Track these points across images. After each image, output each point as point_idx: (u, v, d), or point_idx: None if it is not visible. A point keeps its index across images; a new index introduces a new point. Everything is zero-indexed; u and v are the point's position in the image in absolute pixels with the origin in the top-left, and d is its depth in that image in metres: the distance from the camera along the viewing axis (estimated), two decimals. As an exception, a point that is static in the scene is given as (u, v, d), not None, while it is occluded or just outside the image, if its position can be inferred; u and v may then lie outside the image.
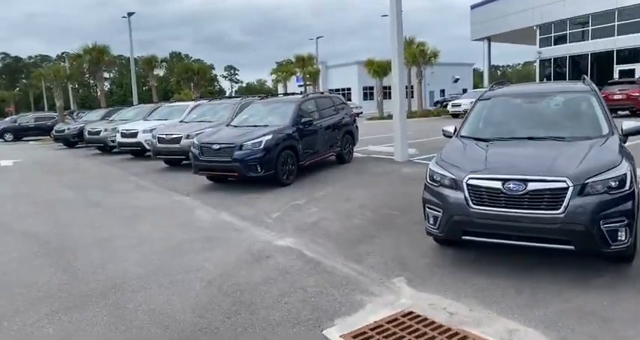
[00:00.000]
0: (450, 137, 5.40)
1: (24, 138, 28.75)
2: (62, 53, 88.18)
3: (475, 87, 65.23)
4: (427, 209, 4.32)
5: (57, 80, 28.65)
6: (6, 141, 28.33)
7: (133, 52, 30.65)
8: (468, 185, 3.97)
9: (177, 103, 16.43)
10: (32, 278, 4.46)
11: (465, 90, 56.61)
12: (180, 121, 12.53)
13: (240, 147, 8.02)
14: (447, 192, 4.12)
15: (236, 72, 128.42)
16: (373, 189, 7.91)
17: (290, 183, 8.55)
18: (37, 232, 6.13)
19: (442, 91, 59.36)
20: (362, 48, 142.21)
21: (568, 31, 30.85)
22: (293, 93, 14.15)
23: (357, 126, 11.40)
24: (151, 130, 13.28)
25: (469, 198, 3.94)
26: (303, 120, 9.13)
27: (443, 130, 5.61)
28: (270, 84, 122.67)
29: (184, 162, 11.89)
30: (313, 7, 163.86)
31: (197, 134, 10.70)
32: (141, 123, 14.34)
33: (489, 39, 39.90)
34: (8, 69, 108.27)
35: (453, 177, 4.10)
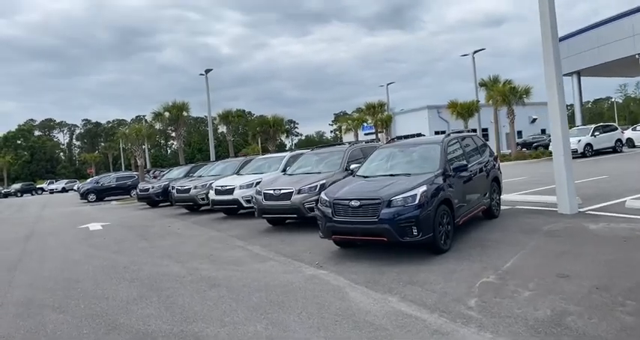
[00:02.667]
0: None
1: (106, 198, 28.98)
2: (136, 116, 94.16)
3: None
4: None
5: (138, 139, 28.99)
6: (89, 201, 28.61)
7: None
8: None
9: (271, 155, 15.20)
10: None
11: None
12: (284, 173, 11.06)
13: (389, 204, 6.18)
14: None
15: (296, 125, 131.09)
16: (583, 259, 5.70)
17: (447, 249, 6.55)
18: (152, 331, 4.48)
19: (519, 132, 56.00)
20: (412, 95, 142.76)
21: (683, 57, 27.44)
22: (353, 142, 12.56)
23: (501, 171, 9.33)
24: (249, 186, 11.97)
25: None
26: (455, 165, 7.25)
27: None
28: (328, 135, 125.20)
29: (288, 220, 10.37)
30: (361, 61, 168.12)
31: (310, 188, 9.17)
32: (236, 178, 13.07)
33: (579, 73, 36.84)
34: (89, 134, 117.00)
35: None
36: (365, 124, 45.84)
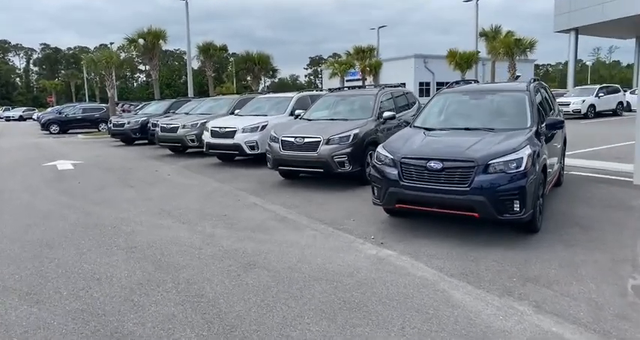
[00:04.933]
0: None
1: (70, 131, 26.36)
2: (100, 44, 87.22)
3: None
4: None
5: (108, 67, 26.02)
6: (52, 133, 25.99)
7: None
8: None
9: (273, 95, 13.22)
10: None
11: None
12: (299, 118, 9.26)
13: (486, 169, 4.63)
14: None
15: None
16: None
17: (539, 229, 5.15)
18: (186, 355, 2.90)
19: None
20: (386, 45, 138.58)
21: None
22: (383, 85, 10.62)
23: (566, 130, 7.88)
24: (253, 129, 10.19)
25: None
26: (548, 120, 5.71)
27: None
28: (302, 79, 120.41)
29: (302, 174, 8.76)
30: (337, 3, 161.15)
31: (341, 138, 7.53)
32: (234, 118, 11.18)
33: (577, 30, 35.27)
34: (48, 60, 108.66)
35: None
36: (352, 70, 43.44)
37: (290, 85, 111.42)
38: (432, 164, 4.81)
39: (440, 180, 4.78)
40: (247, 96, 13.89)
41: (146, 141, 17.07)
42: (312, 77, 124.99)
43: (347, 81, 46.12)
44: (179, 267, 4.38)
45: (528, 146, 4.83)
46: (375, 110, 8.51)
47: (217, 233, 5.48)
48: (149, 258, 4.63)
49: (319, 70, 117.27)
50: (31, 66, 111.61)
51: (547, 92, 7.09)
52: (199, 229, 5.64)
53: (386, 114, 8.44)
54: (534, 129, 5.34)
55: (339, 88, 10.93)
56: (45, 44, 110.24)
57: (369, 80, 40.10)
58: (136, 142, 17.71)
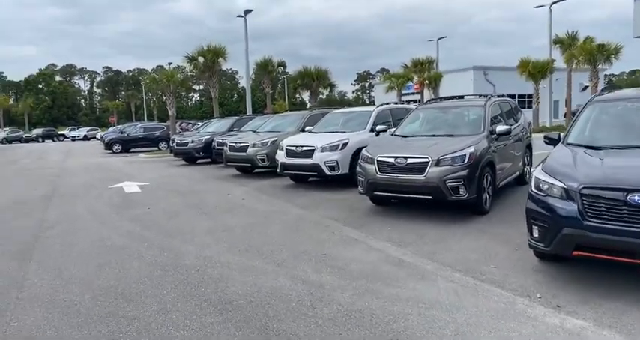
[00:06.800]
0: None
1: (132, 150, 26.56)
2: (157, 66, 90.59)
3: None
4: None
5: (169, 86, 26.09)
6: (114, 152, 26.23)
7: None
8: None
9: (352, 109, 12.14)
10: None
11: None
12: (391, 134, 8.08)
13: None
14: None
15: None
16: None
17: None
18: None
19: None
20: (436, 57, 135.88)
21: None
22: (490, 95, 9.04)
23: None
24: (332, 148, 9.13)
25: None
26: None
27: None
28: (350, 95, 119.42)
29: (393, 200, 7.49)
30: (381, 20, 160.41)
31: (453, 158, 6.27)
32: (312, 136, 10.14)
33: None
34: (110, 81, 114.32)
35: None
36: (409, 83, 42.01)
37: (338, 101, 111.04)
38: (636, 197, 3.46)
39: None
40: (318, 112, 12.90)
41: (209, 160, 16.48)
42: (359, 93, 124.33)
43: (403, 95, 44.84)
44: (297, 338, 3.24)
45: None
46: (485, 123, 7.18)
47: (326, 281, 4.33)
48: (252, 322, 3.53)
49: (367, 85, 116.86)
50: (95, 88, 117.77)
51: None
52: (301, 275, 4.52)
53: (500, 128, 7.11)
54: None
55: (435, 99, 9.65)
56: (107, 67, 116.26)
57: (430, 94, 38.49)
58: (199, 161, 17.18)
